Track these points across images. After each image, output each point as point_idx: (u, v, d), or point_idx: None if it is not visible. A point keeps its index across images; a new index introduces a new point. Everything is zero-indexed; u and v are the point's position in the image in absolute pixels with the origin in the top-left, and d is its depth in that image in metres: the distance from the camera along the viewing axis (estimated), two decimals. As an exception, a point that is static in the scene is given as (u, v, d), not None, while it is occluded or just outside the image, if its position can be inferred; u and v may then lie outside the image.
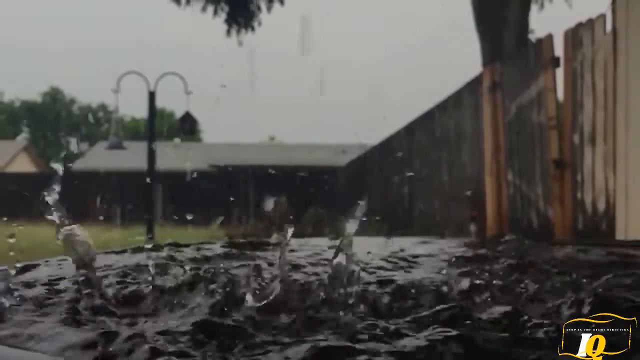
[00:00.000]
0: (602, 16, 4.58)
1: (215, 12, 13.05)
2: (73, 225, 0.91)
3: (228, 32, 13.19)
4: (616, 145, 4.35)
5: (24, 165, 34.12)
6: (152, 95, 12.16)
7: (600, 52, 4.55)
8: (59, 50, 66.65)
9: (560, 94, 5.23)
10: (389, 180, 11.73)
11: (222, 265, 0.99)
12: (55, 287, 0.91)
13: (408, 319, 0.73)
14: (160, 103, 13.25)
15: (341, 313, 0.75)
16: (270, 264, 1.00)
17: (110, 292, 0.87)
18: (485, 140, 6.58)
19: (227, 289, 0.82)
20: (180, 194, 14.99)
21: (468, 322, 0.70)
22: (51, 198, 0.91)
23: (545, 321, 0.68)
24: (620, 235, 4.19)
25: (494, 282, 0.91)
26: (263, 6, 13.18)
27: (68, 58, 66.65)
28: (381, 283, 0.91)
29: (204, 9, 12.98)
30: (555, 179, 5.17)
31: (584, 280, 0.91)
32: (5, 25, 66.52)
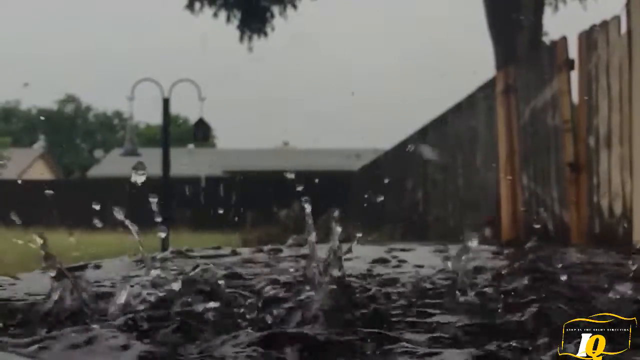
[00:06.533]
0: (617, 18, 4.55)
1: (228, 19, 13.13)
2: None
3: (241, 38, 13.27)
4: (632, 148, 4.30)
5: (40, 172, 34.47)
6: (166, 102, 12.26)
7: (615, 54, 4.51)
8: (75, 58, 67.34)
9: (575, 97, 5.19)
10: (403, 184, 11.69)
11: None
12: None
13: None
14: (174, 109, 13.34)
15: None
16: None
17: None
18: (500, 143, 6.55)
19: None
20: (195, 200, 15.06)
21: None
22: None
23: None
24: (637, 239, 4.14)
25: None
26: (276, 12, 13.23)
27: (83, 66, 67.33)
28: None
29: (215, 15, 13.06)
30: (571, 183, 5.13)
31: None
32: (20, 34, 67.36)
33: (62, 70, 68.22)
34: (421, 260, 1.33)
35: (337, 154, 25.91)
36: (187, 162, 20.41)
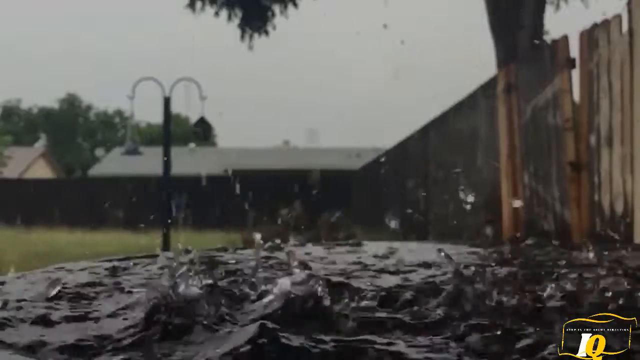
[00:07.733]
0: (618, 16, 4.54)
1: (230, 18, 13.12)
2: None
3: (242, 37, 13.26)
4: (634, 147, 4.30)
5: (41, 171, 34.49)
6: (167, 101, 12.25)
7: (616, 53, 4.51)
8: (75, 57, 67.35)
9: (577, 96, 5.18)
10: (404, 183, 11.69)
11: None
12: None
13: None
14: (175, 108, 13.34)
15: None
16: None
17: None
18: (501, 142, 6.55)
19: None
20: (196, 199, 15.06)
21: None
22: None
23: None
24: (638, 239, 4.13)
25: None
26: (277, 10, 13.22)
27: (83, 65, 67.34)
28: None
29: (217, 14, 13.06)
30: (572, 182, 5.13)
31: None
32: (21, 34, 67.39)
33: (62, 70, 68.20)
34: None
35: (338, 152, 25.93)
36: (189, 161, 20.41)
